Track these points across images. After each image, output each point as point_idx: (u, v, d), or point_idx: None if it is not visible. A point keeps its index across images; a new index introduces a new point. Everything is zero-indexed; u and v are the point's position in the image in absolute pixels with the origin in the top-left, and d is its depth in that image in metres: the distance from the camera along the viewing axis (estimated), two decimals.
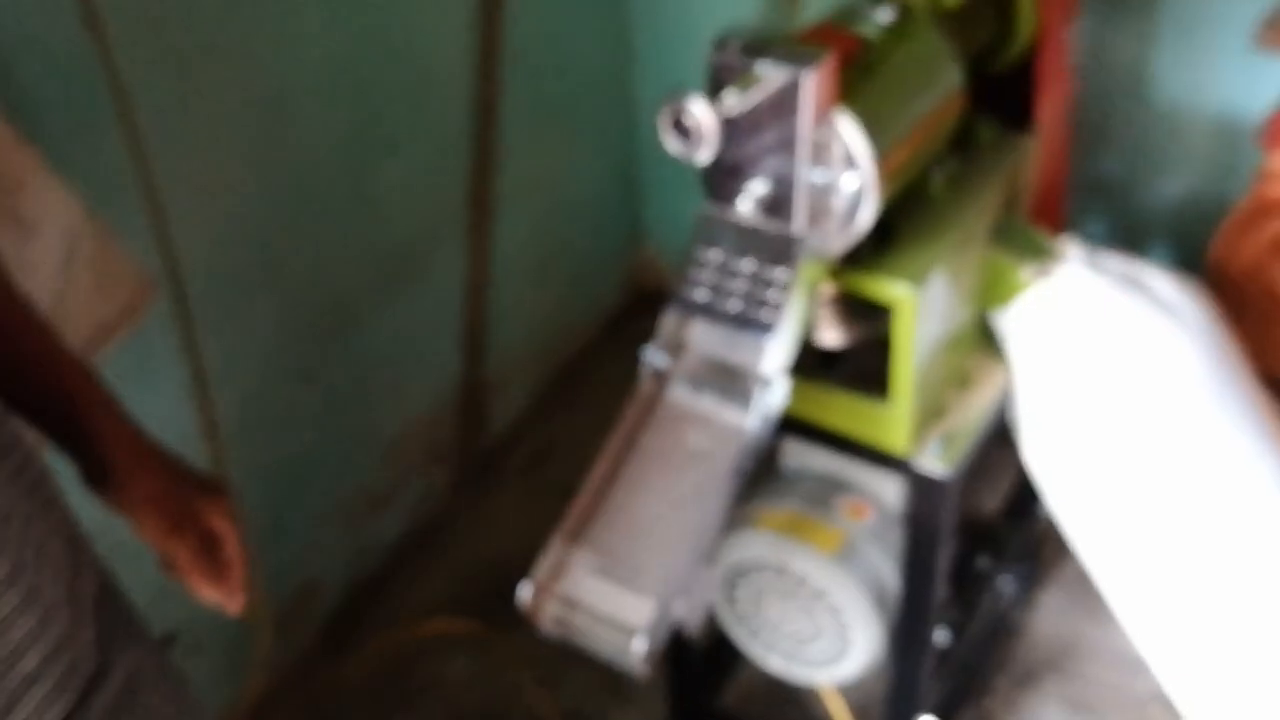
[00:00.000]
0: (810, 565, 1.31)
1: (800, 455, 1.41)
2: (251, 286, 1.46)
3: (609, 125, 2.09)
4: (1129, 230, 1.80)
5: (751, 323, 1.03)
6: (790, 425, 1.25)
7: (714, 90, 0.97)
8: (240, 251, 1.43)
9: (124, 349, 1.21)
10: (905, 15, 1.09)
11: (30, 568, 0.73)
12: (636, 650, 0.97)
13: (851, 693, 1.55)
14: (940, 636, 1.39)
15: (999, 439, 1.36)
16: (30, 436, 0.80)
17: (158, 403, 1.32)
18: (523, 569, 1.83)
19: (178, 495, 0.90)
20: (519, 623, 1.72)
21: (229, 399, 1.43)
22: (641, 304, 2.24)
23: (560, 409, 2.07)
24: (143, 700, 0.85)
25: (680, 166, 2.18)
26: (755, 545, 1.33)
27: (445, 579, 1.81)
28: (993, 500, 1.70)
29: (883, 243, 1.13)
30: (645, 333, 2.28)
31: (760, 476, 1.43)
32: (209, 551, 0.91)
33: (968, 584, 1.51)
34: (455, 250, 1.80)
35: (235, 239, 1.42)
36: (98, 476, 0.88)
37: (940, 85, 1.10)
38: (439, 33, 1.66)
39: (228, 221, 1.40)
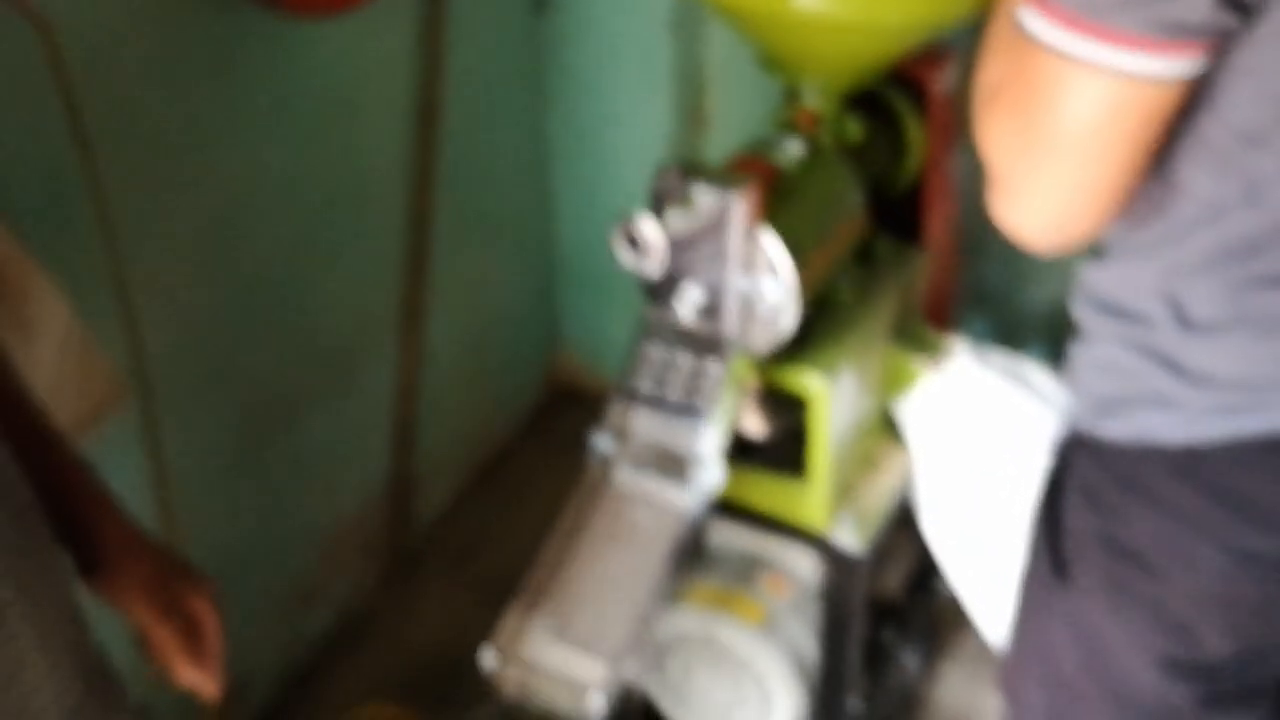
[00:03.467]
0: (736, 636, 1.42)
1: (724, 535, 1.54)
2: (204, 386, 1.54)
3: (529, 239, 2.24)
4: (1009, 332, 2.00)
5: (690, 409, 1.17)
6: (719, 506, 1.38)
7: (655, 210, 1.12)
8: (196, 353, 1.51)
9: (91, 441, 1.28)
10: (814, 148, 1.26)
11: (51, 638, 0.80)
12: (594, 705, 1.08)
13: None
14: (853, 704, 1.51)
15: (900, 523, 1.51)
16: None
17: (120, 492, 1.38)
18: (450, 657, 1.92)
19: (164, 582, 0.95)
20: (449, 708, 1.80)
21: (181, 491, 1.50)
22: (559, 404, 2.36)
23: (483, 505, 2.16)
24: None
25: (594, 277, 2.34)
26: (684, 618, 1.44)
27: (374, 669, 1.87)
28: (895, 580, 1.84)
29: (799, 342, 1.28)
30: (563, 431, 2.41)
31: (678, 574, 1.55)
32: (191, 636, 0.96)
33: (874, 656, 1.64)
34: (388, 353, 1.90)
35: (192, 341, 1.50)
36: (91, 566, 0.93)
37: (846, 207, 1.27)
38: (377, 154, 1.79)
39: (186, 325, 1.48)
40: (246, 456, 1.66)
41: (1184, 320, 0.86)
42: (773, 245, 1.14)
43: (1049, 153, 0.78)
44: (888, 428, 1.44)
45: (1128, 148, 0.76)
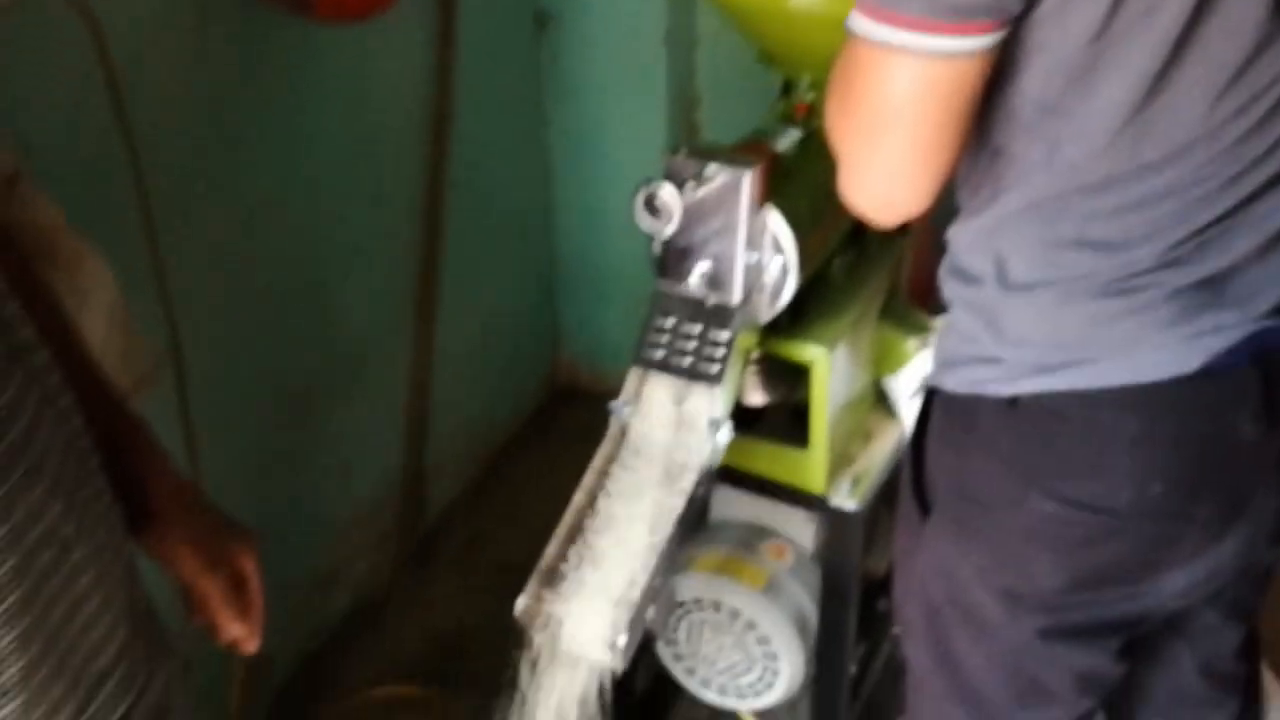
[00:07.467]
0: (741, 599, 1.51)
1: (726, 508, 1.63)
2: (230, 376, 1.63)
3: (532, 244, 2.35)
4: None
5: (700, 375, 1.26)
6: (726, 474, 1.47)
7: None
8: (223, 342, 1.60)
9: None
10: (810, 134, 1.37)
11: (106, 578, 0.84)
12: (618, 646, 1.16)
13: None
14: (850, 668, 1.60)
15: (886, 506, 1.60)
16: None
17: None
18: (460, 639, 1.99)
19: (211, 536, 0.98)
20: (462, 686, 1.88)
21: (209, 477, 1.57)
22: (560, 402, 2.46)
23: (490, 496, 2.25)
24: (174, 712, 0.93)
25: (593, 281, 2.44)
26: (692, 584, 1.53)
27: (389, 650, 1.95)
28: (886, 558, 1.93)
29: (796, 318, 1.38)
30: (564, 428, 2.51)
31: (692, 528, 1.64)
32: (235, 590, 0.99)
33: (869, 623, 1.73)
34: (401, 349, 2.00)
35: (220, 331, 1.59)
36: (141, 520, 0.95)
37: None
38: (392, 157, 1.89)
39: (214, 314, 1.57)
40: (270, 445, 1.75)
41: (1005, 280, 0.97)
42: (777, 221, 1.24)
43: (872, 130, 0.88)
44: (880, 402, 1.54)
45: (938, 119, 0.86)
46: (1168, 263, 0.92)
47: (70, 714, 0.81)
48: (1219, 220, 0.91)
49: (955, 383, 1.05)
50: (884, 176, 0.91)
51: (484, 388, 2.27)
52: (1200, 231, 0.91)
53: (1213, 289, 0.94)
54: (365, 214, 1.84)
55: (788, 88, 1.42)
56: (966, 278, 1.01)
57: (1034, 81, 0.87)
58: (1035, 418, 0.98)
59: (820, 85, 1.39)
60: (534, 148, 2.28)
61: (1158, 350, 0.94)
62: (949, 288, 1.05)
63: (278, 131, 1.63)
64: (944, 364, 1.07)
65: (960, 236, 1.02)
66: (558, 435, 2.37)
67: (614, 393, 1.29)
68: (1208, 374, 0.94)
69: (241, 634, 1.00)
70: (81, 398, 0.86)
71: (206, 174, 1.52)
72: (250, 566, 1.00)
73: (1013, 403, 0.99)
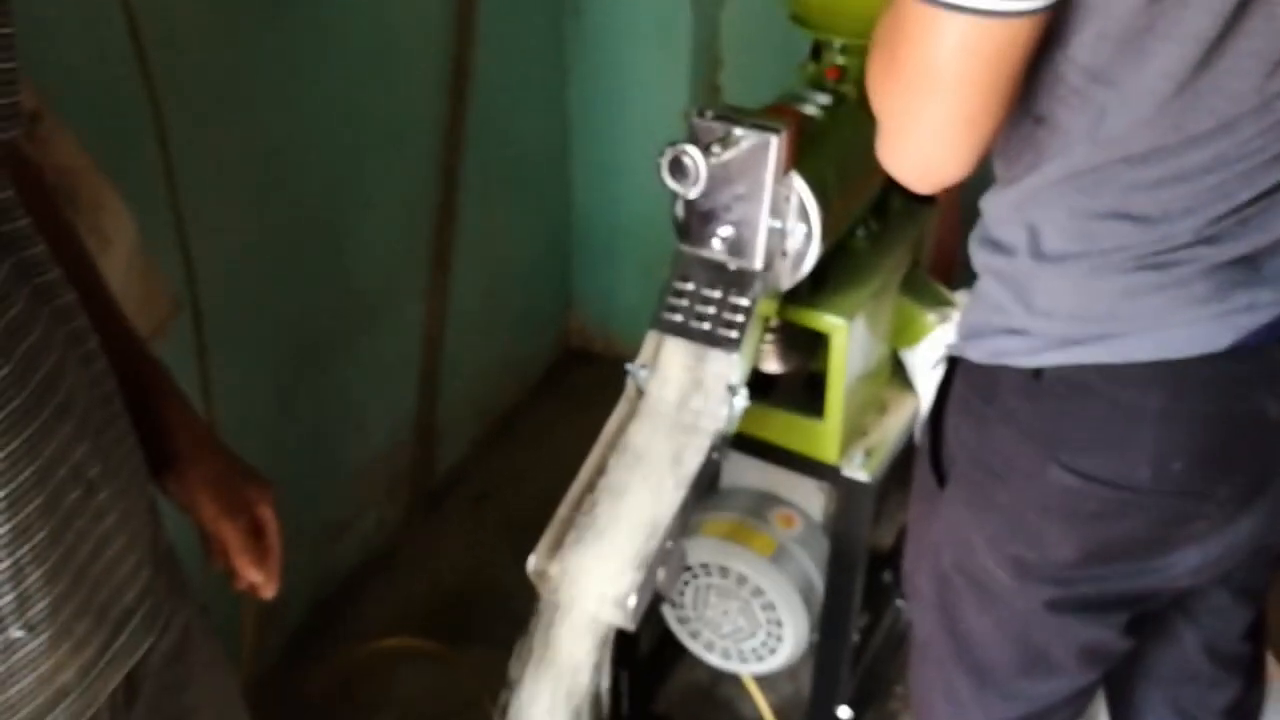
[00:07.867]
0: (749, 566, 1.51)
1: (737, 474, 1.63)
2: (245, 322, 1.62)
3: (547, 207, 2.33)
4: None
5: (719, 340, 1.25)
6: (737, 441, 1.46)
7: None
8: (239, 287, 1.59)
9: None
10: (840, 100, 1.35)
11: (131, 518, 0.85)
12: (629, 607, 1.16)
13: (772, 695, 1.75)
14: (852, 637, 1.60)
15: (894, 482, 1.60)
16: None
17: None
18: (467, 592, 2.00)
19: (231, 482, 0.98)
20: (468, 640, 1.88)
21: (225, 424, 1.57)
22: (570, 363, 2.46)
23: (499, 453, 2.25)
24: (191, 653, 0.95)
25: (606, 243, 2.42)
26: (700, 549, 1.53)
27: (398, 601, 1.95)
28: (891, 532, 1.93)
29: (817, 286, 1.37)
30: (574, 388, 2.50)
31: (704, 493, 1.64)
32: (253, 536, 1.00)
33: (873, 596, 1.73)
34: (415, 301, 1.99)
35: (236, 275, 1.58)
36: (162, 463, 0.96)
37: (867, 158, 1.36)
38: (412, 106, 1.88)
39: (231, 258, 1.56)
40: (284, 394, 1.74)
41: (1037, 251, 0.96)
42: (803, 187, 1.22)
43: (916, 92, 0.85)
44: (897, 375, 1.53)
45: (986, 83, 0.83)
46: (1205, 238, 0.91)
47: (96, 649, 0.82)
48: (1260, 197, 0.90)
49: (979, 353, 1.04)
50: (926, 141, 0.88)
51: (496, 345, 2.27)
52: (1240, 208, 0.90)
53: (1249, 267, 0.93)
54: (383, 163, 1.83)
55: (817, 51, 1.40)
56: (998, 247, 1.00)
57: (1084, 46, 0.85)
58: (1058, 390, 0.98)
59: (852, 48, 1.38)
60: (553, 104, 2.26)
61: (1188, 326, 0.93)
62: (979, 257, 1.04)
63: (296, 74, 1.61)
64: (969, 334, 1.06)
65: (994, 206, 1.01)
66: (568, 396, 2.36)
67: (626, 357, 1.28)
68: (1237, 352, 0.93)
69: (259, 579, 1.01)
70: (105, 341, 0.86)
71: (221, 113, 1.50)
72: (268, 513, 1.01)
73: (1036, 375, 0.98)
